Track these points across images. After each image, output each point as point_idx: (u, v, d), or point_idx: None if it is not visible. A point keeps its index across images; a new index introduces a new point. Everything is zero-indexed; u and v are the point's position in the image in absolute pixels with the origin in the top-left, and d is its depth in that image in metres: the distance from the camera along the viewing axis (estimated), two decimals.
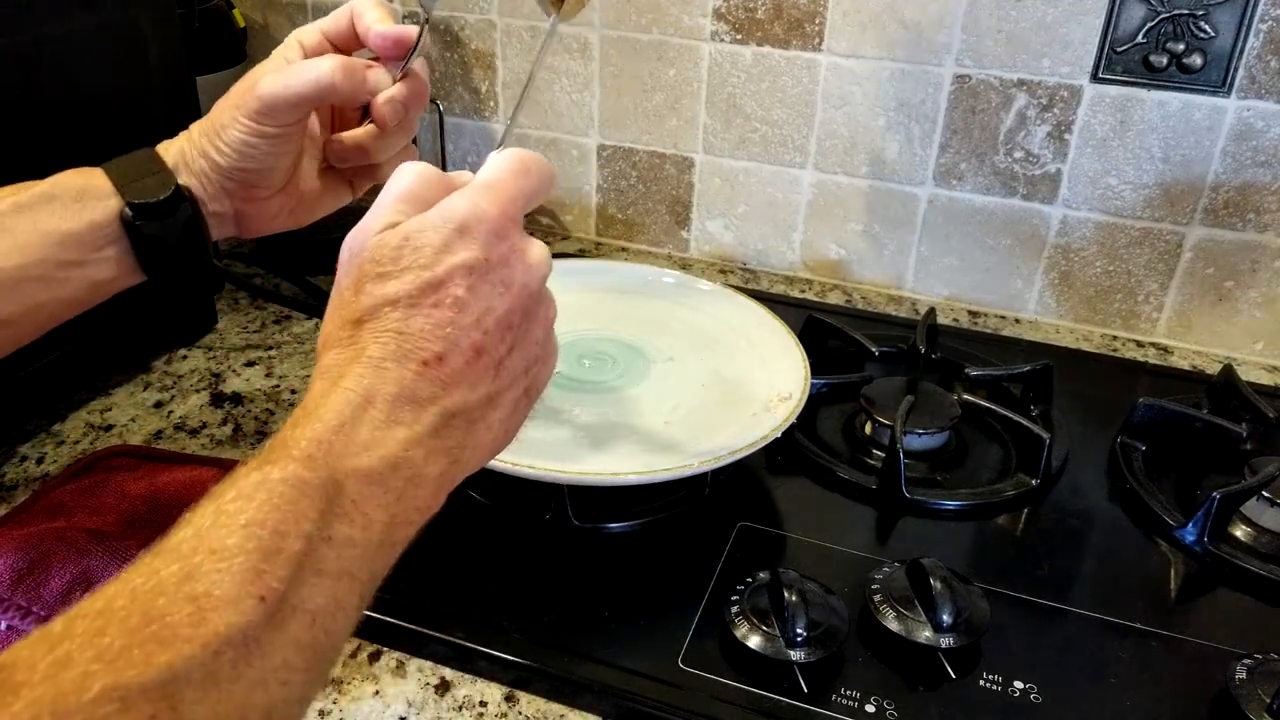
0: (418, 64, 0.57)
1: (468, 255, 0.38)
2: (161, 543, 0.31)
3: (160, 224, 0.53)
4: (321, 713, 0.51)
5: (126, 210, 0.52)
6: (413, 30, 0.56)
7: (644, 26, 0.95)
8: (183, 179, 0.55)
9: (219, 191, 0.56)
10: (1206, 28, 0.79)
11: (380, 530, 0.34)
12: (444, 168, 1.07)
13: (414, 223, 0.39)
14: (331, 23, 0.57)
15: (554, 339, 0.44)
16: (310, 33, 0.56)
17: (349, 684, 0.53)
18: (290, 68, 0.54)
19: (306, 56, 0.56)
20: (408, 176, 0.42)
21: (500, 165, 0.42)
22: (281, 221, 0.58)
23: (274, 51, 0.56)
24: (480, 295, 0.39)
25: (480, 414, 0.39)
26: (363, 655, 0.54)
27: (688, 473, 0.58)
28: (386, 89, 0.55)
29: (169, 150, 0.56)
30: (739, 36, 0.92)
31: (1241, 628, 0.58)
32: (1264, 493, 0.64)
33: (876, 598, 0.55)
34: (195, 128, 0.56)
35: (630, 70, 0.98)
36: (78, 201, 0.51)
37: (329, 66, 0.53)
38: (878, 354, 0.79)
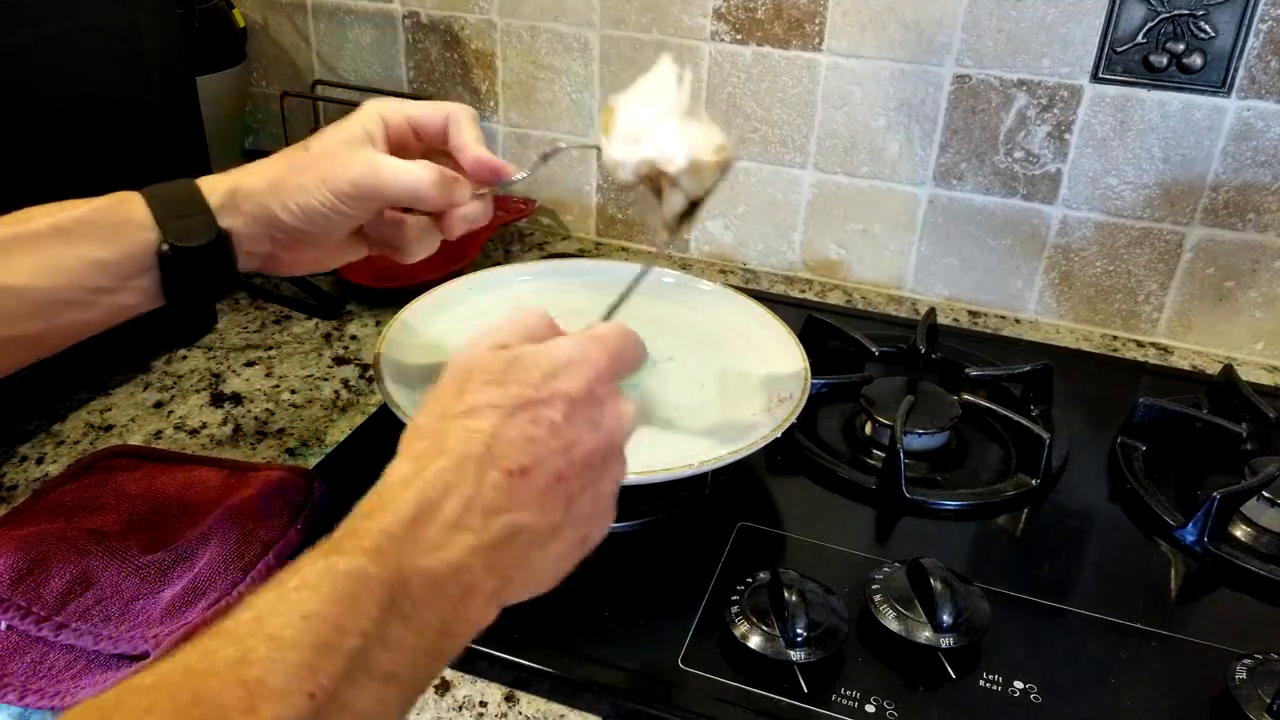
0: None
1: (571, 386, 0.40)
2: (220, 622, 0.31)
3: (195, 262, 0.53)
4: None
5: (165, 247, 0.52)
6: (508, 167, 0.57)
7: (644, 26, 0.95)
8: (226, 221, 0.54)
9: (263, 237, 0.55)
10: (1206, 28, 0.79)
11: (433, 638, 0.34)
12: None
13: (527, 349, 0.41)
14: (422, 116, 0.57)
15: (615, 503, 0.44)
16: (395, 114, 0.56)
17: None
18: (387, 164, 0.54)
19: (390, 139, 0.56)
20: (524, 314, 0.44)
21: (609, 327, 0.45)
22: (305, 268, 0.59)
23: (352, 118, 0.55)
24: (574, 425, 0.40)
25: (543, 542, 0.39)
26: None
27: (688, 473, 0.57)
28: (465, 205, 0.57)
29: (216, 190, 0.54)
30: (739, 36, 0.92)
31: (1241, 628, 0.58)
32: (1264, 493, 0.64)
33: (876, 598, 0.55)
34: (257, 176, 0.55)
35: (630, 70, 0.98)
36: (116, 230, 0.51)
37: (429, 180, 0.54)
38: (878, 354, 0.79)
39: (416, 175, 0.53)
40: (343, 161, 0.53)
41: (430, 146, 0.58)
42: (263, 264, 0.57)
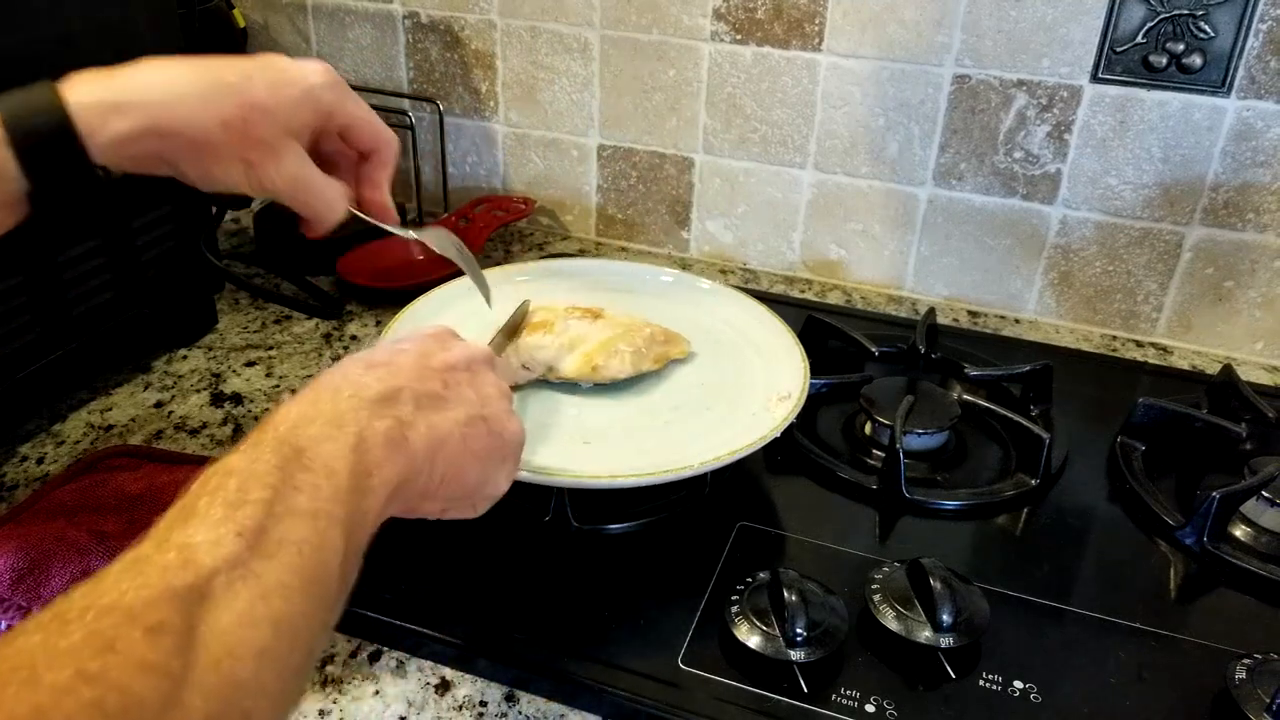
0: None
1: (413, 341, 0.49)
2: (140, 537, 0.33)
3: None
4: (322, 712, 0.51)
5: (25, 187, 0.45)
6: (393, 215, 0.59)
7: (644, 26, 0.95)
8: (104, 157, 0.47)
9: (140, 165, 0.49)
10: (1206, 28, 0.79)
11: (344, 476, 0.37)
12: (444, 167, 1.07)
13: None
14: (358, 134, 0.55)
15: (512, 410, 0.50)
16: (342, 112, 0.54)
17: (349, 684, 0.53)
18: (315, 186, 0.53)
19: (322, 128, 0.54)
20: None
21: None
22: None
23: (303, 85, 0.51)
24: (424, 349, 0.48)
25: (432, 402, 0.44)
26: (363, 655, 0.54)
27: (687, 474, 0.58)
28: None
29: (97, 130, 0.46)
30: (739, 36, 0.92)
31: (1241, 628, 0.58)
32: (1264, 493, 0.64)
33: (876, 598, 0.55)
34: (163, 107, 0.47)
35: (630, 70, 0.98)
36: None
37: (338, 215, 0.55)
38: (878, 354, 0.79)
39: (333, 214, 0.55)
40: (276, 160, 0.50)
41: (340, 149, 0.57)
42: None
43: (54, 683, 0.26)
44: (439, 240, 0.63)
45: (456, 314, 0.69)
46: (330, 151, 0.57)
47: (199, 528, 0.32)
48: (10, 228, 0.48)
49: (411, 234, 0.62)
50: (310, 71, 0.52)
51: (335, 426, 0.39)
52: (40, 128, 0.45)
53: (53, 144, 0.45)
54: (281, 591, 0.32)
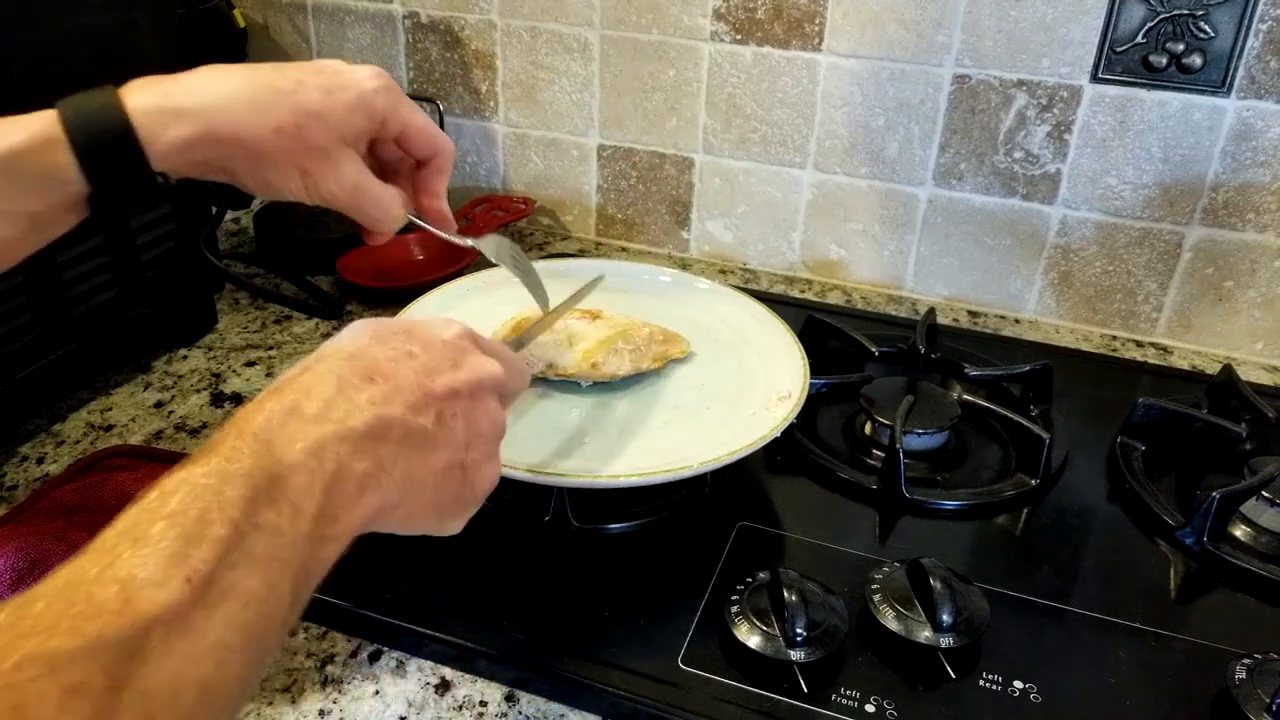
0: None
1: (426, 334, 0.44)
2: (87, 545, 0.31)
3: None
4: (322, 712, 0.51)
5: (86, 194, 0.46)
6: (451, 222, 0.59)
7: (644, 26, 0.95)
8: (163, 164, 0.47)
9: (199, 170, 0.49)
10: (1206, 28, 0.79)
11: (308, 520, 0.35)
12: None
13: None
14: (415, 140, 0.55)
15: (495, 453, 0.46)
16: (397, 118, 0.53)
17: (349, 684, 0.53)
18: (371, 194, 0.52)
19: (378, 134, 0.53)
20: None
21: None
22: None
23: (359, 90, 0.51)
24: (431, 358, 0.43)
25: (418, 442, 0.40)
26: (363, 655, 0.54)
27: (687, 474, 0.58)
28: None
29: (158, 135, 0.46)
30: (739, 36, 0.92)
31: (1241, 628, 0.58)
32: (1264, 493, 0.64)
33: (876, 598, 0.55)
34: (229, 128, 0.48)
35: (630, 70, 0.98)
36: (42, 182, 0.46)
37: (397, 221, 0.55)
38: (878, 354, 0.79)
39: (391, 220, 0.54)
40: (333, 166, 0.50)
41: (397, 157, 0.57)
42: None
43: None
44: (496, 249, 0.63)
45: (456, 314, 0.69)
46: (387, 159, 0.57)
47: (147, 560, 0.30)
48: (71, 228, 0.48)
49: (469, 242, 0.61)
50: (364, 76, 0.51)
51: (314, 457, 0.36)
52: (102, 133, 0.45)
53: (114, 149, 0.46)
54: (219, 652, 0.30)
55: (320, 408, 0.38)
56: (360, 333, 0.43)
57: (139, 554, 0.30)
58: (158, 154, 0.46)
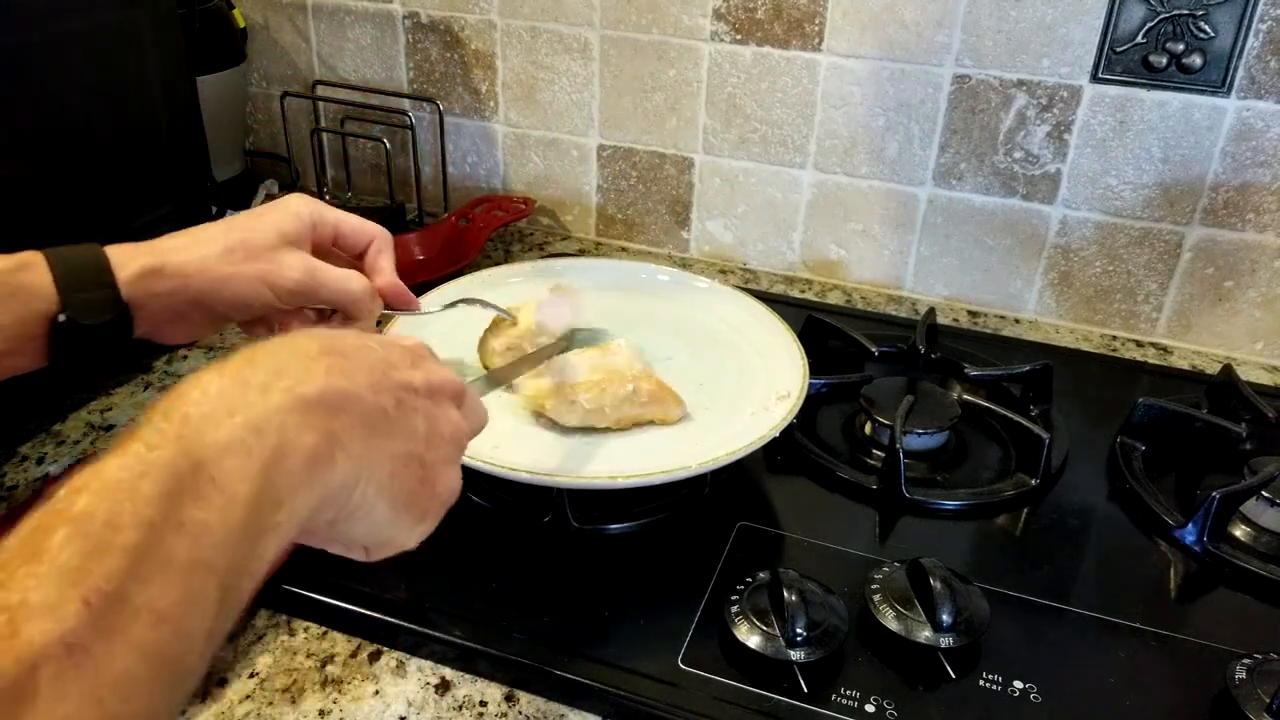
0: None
1: (388, 342, 0.42)
2: None
3: (90, 335, 0.51)
4: (322, 712, 0.51)
5: (61, 318, 0.50)
6: (417, 301, 0.62)
7: (644, 26, 0.95)
8: (132, 293, 0.52)
9: (168, 312, 0.54)
10: (1206, 28, 0.79)
11: (243, 509, 0.30)
12: (444, 167, 1.07)
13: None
14: (350, 233, 0.60)
15: (457, 462, 0.43)
16: (325, 222, 0.59)
17: (349, 684, 0.53)
18: (328, 273, 0.56)
19: (314, 242, 0.58)
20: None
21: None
22: (187, 338, 0.59)
23: (285, 212, 0.57)
24: (390, 356, 0.40)
25: (376, 421, 0.36)
26: (363, 655, 0.54)
27: (686, 474, 0.58)
28: (371, 321, 0.60)
29: (127, 265, 0.52)
30: (739, 36, 0.92)
31: (1241, 628, 0.58)
32: (1264, 493, 0.64)
33: (876, 598, 0.55)
34: (184, 257, 0.54)
35: (630, 70, 0.98)
36: (13, 297, 0.49)
37: (364, 292, 0.57)
38: (878, 354, 0.79)
39: (354, 289, 0.57)
40: (283, 263, 0.55)
41: (344, 257, 0.61)
42: (149, 333, 0.56)
43: None
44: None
45: (456, 313, 0.69)
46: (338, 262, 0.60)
47: (42, 581, 0.25)
48: (15, 369, 0.51)
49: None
50: (288, 199, 0.58)
51: (253, 432, 0.31)
52: (76, 256, 0.51)
53: (87, 268, 0.51)
54: (122, 687, 0.26)
55: (267, 377, 0.33)
56: (310, 330, 0.44)
57: (34, 572, 0.26)
58: (125, 280, 0.52)
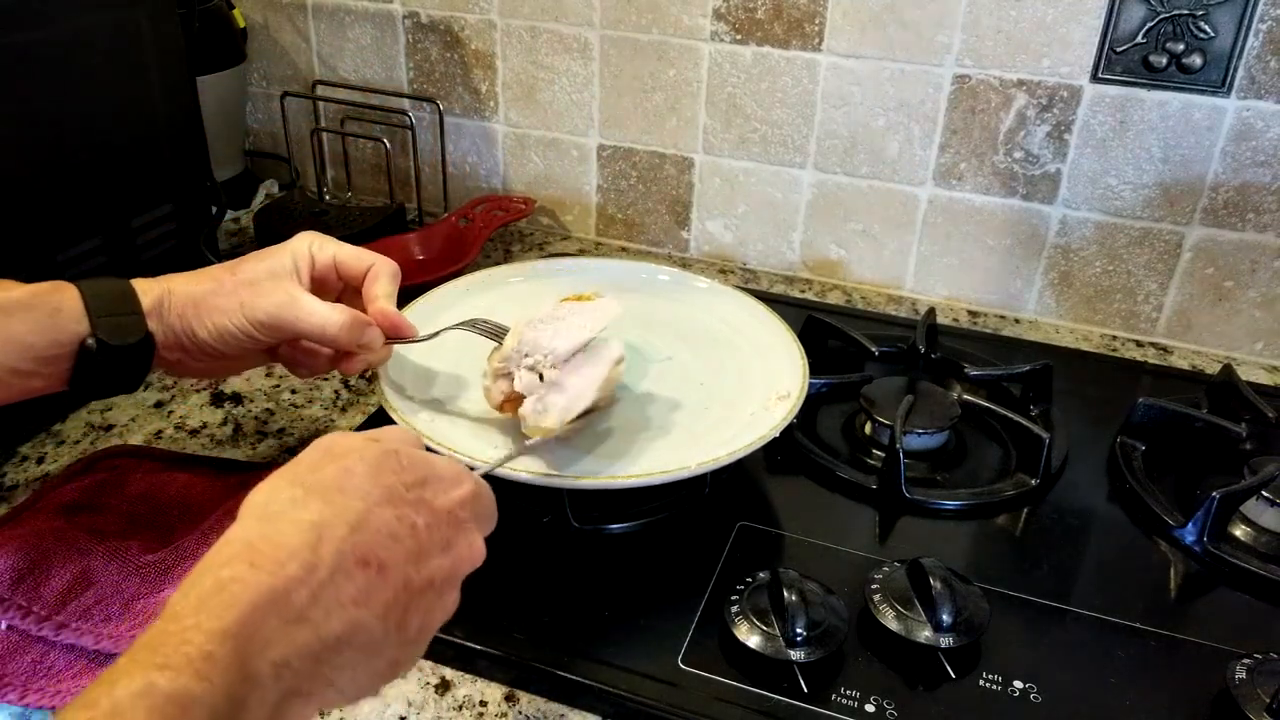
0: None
1: (438, 498, 0.41)
2: None
3: (116, 359, 0.55)
4: (322, 713, 0.51)
5: (91, 341, 0.53)
6: (411, 328, 0.62)
7: (644, 26, 0.95)
8: (152, 324, 0.56)
9: (177, 346, 0.58)
10: (1206, 28, 0.79)
11: None
12: (444, 167, 1.07)
13: (404, 447, 0.43)
14: (347, 261, 0.61)
15: (456, 594, 0.42)
16: (323, 253, 0.61)
17: None
18: (304, 302, 0.57)
19: (314, 275, 0.60)
20: (401, 429, 0.49)
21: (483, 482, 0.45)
22: (209, 375, 0.64)
23: (283, 248, 0.59)
24: (431, 537, 0.40)
25: (375, 649, 0.37)
26: None
27: (685, 474, 0.57)
28: (373, 350, 0.60)
29: (147, 293, 0.57)
30: (739, 36, 0.92)
31: (1241, 628, 0.58)
32: (1264, 493, 0.64)
33: (876, 597, 0.55)
34: (185, 288, 0.58)
35: (630, 70, 0.98)
36: (50, 319, 0.53)
37: (339, 322, 0.57)
38: (878, 354, 0.79)
39: (327, 317, 0.57)
40: (264, 292, 0.57)
41: (350, 287, 0.63)
42: (170, 367, 0.60)
43: None
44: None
45: (456, 314, 0.69)
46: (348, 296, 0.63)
47: None
48: (48, 388, 0.55)
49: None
50: (296, 235, 0.61)
51: (277, 674, 0.32)
52: (105, 284, 0.56)
53: (115, 295, 0.56)
54: None
55: (307, 600, 0.34)
56: (378, 471, 0.39)
57: None
58: (146, 307, 0.56)
